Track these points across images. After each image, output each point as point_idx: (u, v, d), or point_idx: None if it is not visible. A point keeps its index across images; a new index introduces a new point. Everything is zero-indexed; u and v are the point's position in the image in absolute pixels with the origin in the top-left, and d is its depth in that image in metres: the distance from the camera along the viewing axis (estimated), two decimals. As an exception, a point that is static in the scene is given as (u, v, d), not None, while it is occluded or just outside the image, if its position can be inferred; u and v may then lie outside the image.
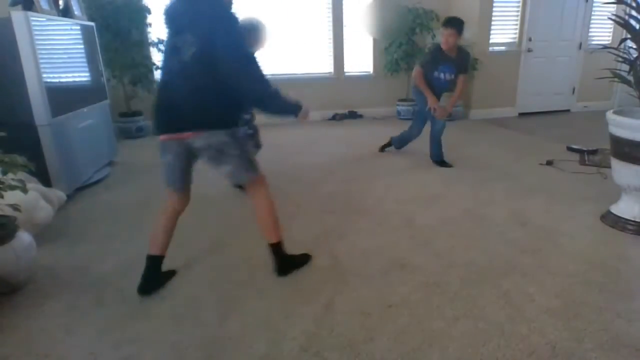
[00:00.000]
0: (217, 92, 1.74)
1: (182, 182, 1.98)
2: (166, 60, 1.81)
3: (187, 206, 2.09)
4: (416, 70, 3.63)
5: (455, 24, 3.42)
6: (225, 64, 1.69)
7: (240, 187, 3.23)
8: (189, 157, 1.89)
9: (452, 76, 3.59)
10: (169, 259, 2.06)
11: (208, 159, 1.84)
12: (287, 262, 2.06)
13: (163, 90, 1.84)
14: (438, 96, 3.66)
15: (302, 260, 2.15)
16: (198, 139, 1.76)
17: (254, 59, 1.90)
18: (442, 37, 3.47)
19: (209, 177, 3.60)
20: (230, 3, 1.87)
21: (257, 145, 3.24)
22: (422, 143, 4.33)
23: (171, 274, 2.11)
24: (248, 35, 2.51)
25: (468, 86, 3.57)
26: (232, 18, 1.75)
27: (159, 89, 1.86)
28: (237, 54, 1.74)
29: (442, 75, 3.58)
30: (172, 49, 1.77)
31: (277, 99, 1.84)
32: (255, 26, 2.82)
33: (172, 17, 1.80)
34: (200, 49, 1.68)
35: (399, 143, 4.17)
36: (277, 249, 2.02)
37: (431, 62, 3.56)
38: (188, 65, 1.71)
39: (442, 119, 3.66)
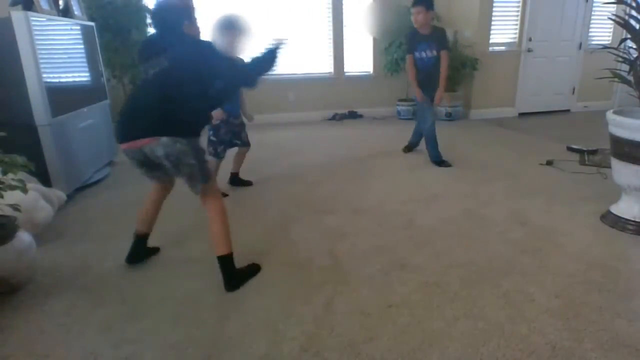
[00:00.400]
0: (179, 103, 1.81)
1: (158, 178, 2.08)
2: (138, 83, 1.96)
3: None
4: (407, 58, 3.76)
5: (420, 1, 3.51)
6: (186, 87, 1.82)
7: (235, 182, 3.24)
8: (150, 164, 1.93)
9: (433, 52, 3.64)
10: (165, 258, 2.06)
11: (167, 169, 1.89)
12: (236, 276, 1.99)
13: (128, 103, 1.94)
14: (428, 76, 3.70)
15: (251, 271, 2.07)
16: (157, 147, 1.79)
17: (231, 62, 2.01)
18: (412, 17, 3.60)
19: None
20: (197, 34, 2.08)
21: (245, 144, 3.22)
22: (422, 144, 4.32)
23: (155, 250, 2.30)
24: (227, 34, 2.54)
25: (449, 68, 3.72)
26: (199, 43, 1.95)
27: (125, 104, 1.95)
28: (230, 72, 1.94)
29: (423, 54, 3.67)
30: (140, 72, 1.95)
31: (265, 69, 2.11)
32: (235, 23, 2.71)
33: (141, 50, 2.00)
34: (168, 67, 1.81)
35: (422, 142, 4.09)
36: (226, 261, 1.95)
37: (410, 45, 3.71)
38: (152, 78, 1.83)
39: (440, 103, 3.79)
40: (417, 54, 3.68)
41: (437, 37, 3.63)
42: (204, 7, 5.47)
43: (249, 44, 2.56)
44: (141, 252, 2.19)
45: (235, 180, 3.41)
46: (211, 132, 3.05)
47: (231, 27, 2.54)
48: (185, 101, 1.82)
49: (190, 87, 1.82)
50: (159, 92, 1.81)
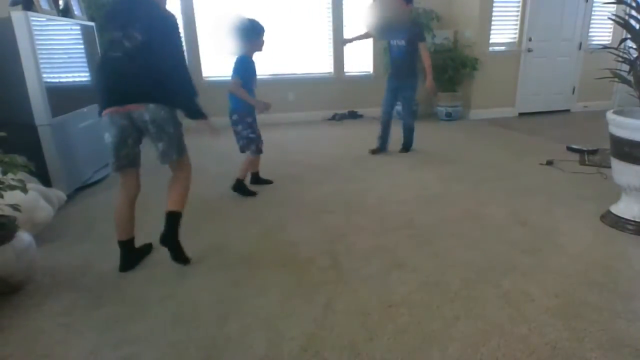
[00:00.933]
0: (165, 73, 1.95)
1: (127, 159, 2.07)
2: (108, 50, 1.98)
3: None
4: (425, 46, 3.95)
5: None
6: (162, 60, 1.93)
7: (238, 190, 3.25)
8: (133, 131, 2.01)
9: (403, 42, 3.84)
10: (165, 258, 2.06)
11: (149, 134, 2.01)
12: (173, 234, 2.13)
13: (108, 73, 1.98)
14: (400, 64, 3.96)
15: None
16: (146, 112, 1.93)
17: (184, 59, 2.07)
18: None
19: (208, 178, 3.61)
20: (164, 3, 2.07)
21: (258, 151, 3.23)
22: (422, 144, 4.33)
23: (148, 247, 2.32)
24: (246, 35, 2.66)
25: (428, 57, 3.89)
26: (168, 17, 1.98)
27: (101, 73, 1.99)
28: (173, 52, 1.98)
29: (394, 42, 3.93)
30: (114, 40, 1.95)
31: (193, 101, 2.08)
32: (255, 27, 2.92)
33: (113, 15, 2.00)
34: (144, 40, 1.91)
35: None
36: (176, 218, 2.11)
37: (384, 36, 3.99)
38: (134, 51, 1.90)
39: (433, 89, 4.01)
40: (390, 43, 3.99)
41: (409, 27, 3.83)
42: (204, 6, 5.48)
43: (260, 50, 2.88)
44: (132, 257, 2.20)
45: (258, 179, 3.44)
46: (249, 130, 3.12)
47: (253, 30, 2.88)
48: (171, 71, 1.96)
49: (172, 58, 1.97)
50: (145, 62, 1.91)
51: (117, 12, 2.01)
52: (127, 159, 2.06)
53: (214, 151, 4.46)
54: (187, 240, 2.46)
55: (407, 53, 3.87)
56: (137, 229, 2.22)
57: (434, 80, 3.92)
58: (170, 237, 2.11)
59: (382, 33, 3.99)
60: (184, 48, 2.12)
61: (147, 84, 1.93)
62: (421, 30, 3.97)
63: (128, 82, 1.93)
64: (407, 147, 4.27)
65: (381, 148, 4.24)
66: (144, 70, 1.92)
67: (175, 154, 2.07)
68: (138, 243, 2.25)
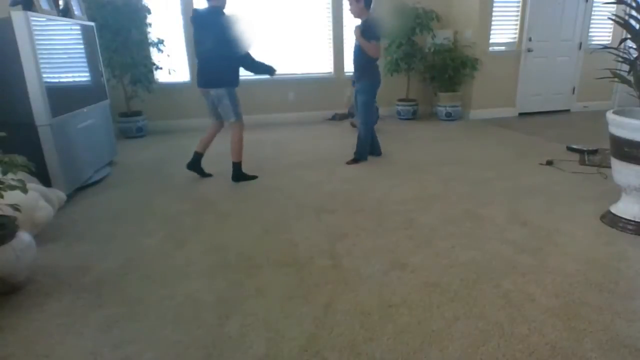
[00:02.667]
0: (223, 65, 3.20)
1: (215, 115, 3.46)
2: (197, 46, 3.31)
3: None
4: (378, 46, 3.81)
5: None
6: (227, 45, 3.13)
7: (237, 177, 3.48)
8: (213, 100, 3.33)
9: (355, 41, 3.77)
10: (165, 258, 2.05)
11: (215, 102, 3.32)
12: (241, 175, 3.47)
13: (200, 63, 3.30)
14: (354, 64, 3.88)
15: (251, 177, 3.51)
16: (213, 90, 3.26)
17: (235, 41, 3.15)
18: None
19: (208, 180, 3.62)
20: (224, 6, 3.20)
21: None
22: (422, 143, 4.33)
23: (208, 175, 3.62)
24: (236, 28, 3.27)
25: (375, 53, 3.72)
26: (225, 19, 3.16)
27: (199, 62, 3.31)
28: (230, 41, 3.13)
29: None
30: (199, 39, 3.27)
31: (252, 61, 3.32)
32: (240, 20, 3.26)
33: (195, 20, 3.26)
34: (212, 39, 3.14)
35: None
36: (236, 166, 3.47)
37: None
38: (209, 48, 3.16)
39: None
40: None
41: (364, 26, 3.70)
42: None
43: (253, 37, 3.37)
44: (197, 165, 3.55)
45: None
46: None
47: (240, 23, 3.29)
48: (226, 63, 3.21)
49: (222, 49, 3.13)
50: (213, 58, 3.20)
51: (197, 18, 3.28)
52: (214, 114, 3.45)
53: (213, 151, 4.46)
54: (187, 240, 2.46)
55: (357, 52, 3.77)
56: (140, 229, 2.21)
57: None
58: (237, 177, 3.48)
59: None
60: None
61: (215, 75, 3.28)
62: (370, 27, 3.68)
63: (208, 73, 3.32)
64: (356, 157, 3.95)
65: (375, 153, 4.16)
66: (214, 64, 3.28)
67: (231, 114, 3.31)
68: (136, 244, 2.26)
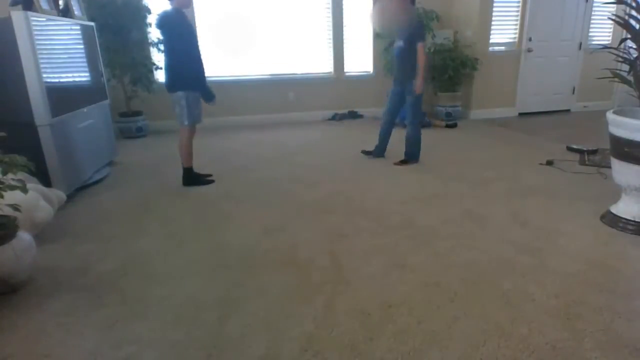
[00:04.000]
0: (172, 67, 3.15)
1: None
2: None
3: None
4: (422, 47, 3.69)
5: None
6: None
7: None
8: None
9: (401, 42, 3.69)
10: (165, 258, 2.05)
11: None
12: (191, 179, 3.38)
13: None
14: (399, 66, 3.81)
15: (205, 182, 3.41)
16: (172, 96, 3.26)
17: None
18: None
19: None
20: (183, 6, 3.10)
21: None
22: (423, 143, 4.32)
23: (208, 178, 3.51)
24: None
25: (424, 58, 3.60)
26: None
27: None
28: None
29: (395, 43, 3.82)
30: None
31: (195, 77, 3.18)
32: None
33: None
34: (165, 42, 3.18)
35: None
36: (186, 171, 3.39)
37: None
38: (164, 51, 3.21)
39: (419, 91, 3.70)
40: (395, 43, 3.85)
41: (410, 29, 3.62)
42: (204, 6, 5.48)
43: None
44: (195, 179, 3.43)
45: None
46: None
47: None
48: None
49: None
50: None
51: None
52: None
53: (212, 151, 4.46)
54: (187, 240, 2.46)
55: (406, 54, 3.68)
56: (140, 229, 2.21)
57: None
58: (187, 180, 3.39)
59: (385, 32, 3.90)
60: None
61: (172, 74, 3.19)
62: (421, 30, 3.70)
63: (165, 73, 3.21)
64: (407, 158, 3.88)
65: (374, 152, 4.08)
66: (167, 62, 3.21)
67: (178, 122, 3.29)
68: (136, 243, 2.25)
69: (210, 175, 3.55)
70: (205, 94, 3.23)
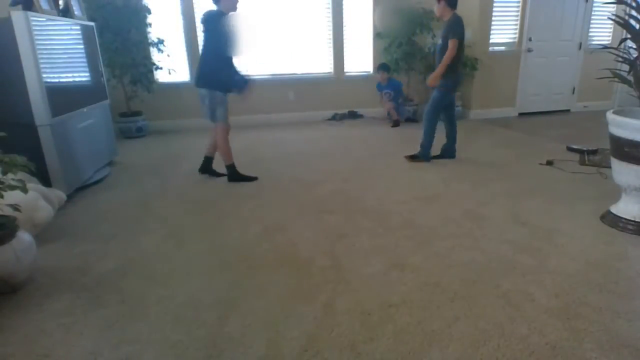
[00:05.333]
0: (210, 67, 3.25)
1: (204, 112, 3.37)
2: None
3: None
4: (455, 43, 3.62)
5: None
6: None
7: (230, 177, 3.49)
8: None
9: (440, 40, 3.69)
10: (165, 258, 2.05)
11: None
12: (235, 176, 3.49)
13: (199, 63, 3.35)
14: (436, 63, 3.73)
15: (249, 178, 3.51)
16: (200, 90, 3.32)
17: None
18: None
19: (207, 178, 3.62)
20: (228, 10, 3.17)
21: None
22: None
23: (220, 174, 3.61)
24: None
25: (453, 55, 3.54)
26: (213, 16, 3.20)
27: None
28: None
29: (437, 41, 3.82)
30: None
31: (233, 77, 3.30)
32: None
33: (201, 21, 3.23)
34: (206, 41, 3.27)
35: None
36: (228, 167, 3.51)
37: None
38: (203, 49, 3.32)
39: (432, 85, 3.71)
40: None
41: (447, 26, 3.59)
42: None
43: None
44: (209, 168, 3.63)
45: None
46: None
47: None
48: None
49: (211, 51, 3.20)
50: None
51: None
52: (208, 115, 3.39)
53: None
54: (187, 240, 2.46)
55: (440, 51, 3.65)
56: (140, 229, 2.21)
57: (440, 79, 3.68)
58: (231, 177, 3.52)
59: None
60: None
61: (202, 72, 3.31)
62: (453, 27, 3.56)
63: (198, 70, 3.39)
64: (418, 153, 3.93)
65: (441, 155, 4.04)
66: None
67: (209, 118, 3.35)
68: (136, 244, 2.27)
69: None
70: (238, 89, 3.33)
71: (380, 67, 5.71)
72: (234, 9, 3.18)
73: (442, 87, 3.69)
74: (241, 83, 3.30)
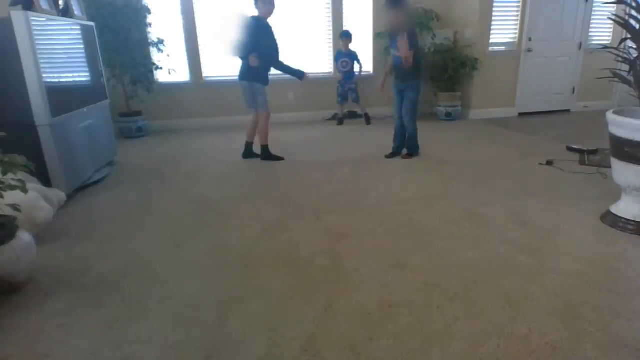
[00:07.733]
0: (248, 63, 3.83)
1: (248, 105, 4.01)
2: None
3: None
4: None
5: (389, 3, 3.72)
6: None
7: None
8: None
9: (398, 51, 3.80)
10: (165, 258, 2.05)
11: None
12: (268, 155, 4.06)
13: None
14: (399, 68, 3.92)
15: (277, 158, 4.07)
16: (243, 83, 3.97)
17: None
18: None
19: (208, 178, 3.62)
20: (264, 15, 3.76)
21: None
22: (422, 144, 4.33)
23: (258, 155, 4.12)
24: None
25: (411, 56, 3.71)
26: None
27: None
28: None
29: (392, 52, 3.97)
30: None
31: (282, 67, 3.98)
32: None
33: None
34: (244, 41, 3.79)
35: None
36: (263, 148, 4.10)
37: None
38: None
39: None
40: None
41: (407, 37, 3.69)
42: (204, 6, 5.48)
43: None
44: (250, 153, 4.12)
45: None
46: None
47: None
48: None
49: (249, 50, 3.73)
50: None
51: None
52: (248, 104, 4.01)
53: (212, 151, 4.46)
54: (188, 240, 2.46)
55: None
56: (140, 229, 2.22)
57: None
58: (265, 157, 4.10)
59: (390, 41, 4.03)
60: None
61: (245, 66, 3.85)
62: (412, 38, 3.70)
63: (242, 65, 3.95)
64: (409, 152, 4.11)
65: (395, 152, 4.12)
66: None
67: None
68: (136, 243, 2.26)
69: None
70: (298, 77, 4.04)
71: (343, 34, 5.64)
72: (270, 14, 3.73)
73: (418, 86, 3.94)
74: (299, 73, 3.99)
